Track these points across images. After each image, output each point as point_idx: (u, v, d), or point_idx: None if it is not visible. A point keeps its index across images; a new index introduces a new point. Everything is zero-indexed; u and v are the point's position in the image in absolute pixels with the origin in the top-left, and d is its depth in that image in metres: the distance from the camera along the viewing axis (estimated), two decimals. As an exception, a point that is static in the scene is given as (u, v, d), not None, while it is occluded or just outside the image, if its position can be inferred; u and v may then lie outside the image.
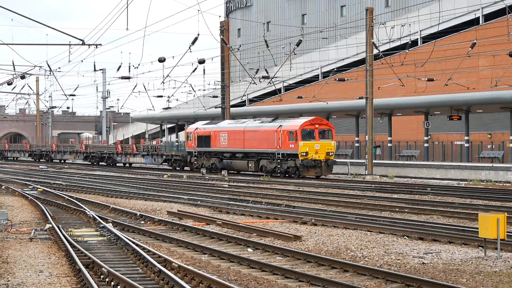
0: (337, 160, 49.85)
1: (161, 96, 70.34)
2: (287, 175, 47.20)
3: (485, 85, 52.59)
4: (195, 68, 53.24)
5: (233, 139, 51.58)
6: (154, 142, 75.87)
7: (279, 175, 47.55)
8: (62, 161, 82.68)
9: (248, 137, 50.11)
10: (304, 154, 45.66)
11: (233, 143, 51.66)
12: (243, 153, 51.01)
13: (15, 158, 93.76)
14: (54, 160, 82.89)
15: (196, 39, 46.02)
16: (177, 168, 58.75)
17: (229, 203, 29.61)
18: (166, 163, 62.30)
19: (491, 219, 16.20)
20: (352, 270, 15.00)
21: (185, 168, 59.24)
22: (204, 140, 54.43)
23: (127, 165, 70.61)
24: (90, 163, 74.49)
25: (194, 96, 73.77)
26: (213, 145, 53.56)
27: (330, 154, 46.47)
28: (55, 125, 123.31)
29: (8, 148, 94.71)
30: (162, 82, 55.22)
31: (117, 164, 70.51)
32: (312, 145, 45.95)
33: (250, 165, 50.04)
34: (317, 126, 46.47)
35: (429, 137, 59.29)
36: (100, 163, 72.87)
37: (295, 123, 46.77)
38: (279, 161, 47.23)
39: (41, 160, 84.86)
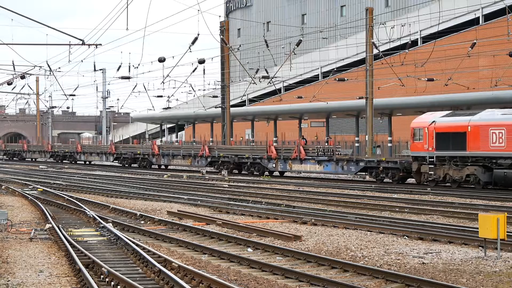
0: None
1: (161, 96, 70.38)
2: None
3: (485, 85, 52.60)
4: (195, 68, 53.28)
5: None
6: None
7: None
8: (164, 166, 64.21)
9: None
10: None
11: None
12: None
13: (88, 162, 74.67)
14: (153, 166, 64.52)
15: (196, 39, 46.06)
16: (384, 180, 41.88)
17: (229, 203, 29.62)
18: (365, 173, 44.77)
19: (491, 219, 16.21)
20: (352, 270, 15.01)
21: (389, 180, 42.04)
22: (451, 139, 37.48)
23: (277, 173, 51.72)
24: (217, 170, 54.61)
25: (194, 96, 73.88)
26: (472, 146, 36.42)
27: None
28: (55, 125, 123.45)
29: (81, 150, 74.05)
30: (162, 82, 55.29)
31: (272, 173, 51.57)
32: None
33: None
34: None
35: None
36: (234, 171, 53.54)
37: None
38: None
39: (132, 165, 66.25)
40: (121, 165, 67.46)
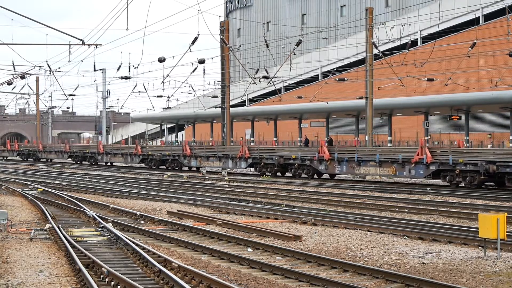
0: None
1: (161, 96, 70.42)
2: None
3: (485, 85, 52.62)
4: (195, 68, 53.28)
5: None
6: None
7: None
8: (330, 176, 47.10)
9: None
10: None
11: None
12: None
13: (196, 169, 57.54)
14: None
15: (196, 39, 46.05)
16: None
17: (229, 203, 29.60)
18: None
19: (491, 219, 16.21)
20: (352, 270, 15.00)
21: None
22: None
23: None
24: (448, 183, 37.55)
25: (194, 96, 73.86)
26: None
27: None
28: (55, 125, 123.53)
29: (191, 153, 57.10)
30: (162, 82, 55.28)
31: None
32: None
33: None
34: None
35: (429, 137, 59.30)
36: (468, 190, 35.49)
37: None
38: None
39: (278, 173, 49.66)
40: (259, 173, 50.59)
